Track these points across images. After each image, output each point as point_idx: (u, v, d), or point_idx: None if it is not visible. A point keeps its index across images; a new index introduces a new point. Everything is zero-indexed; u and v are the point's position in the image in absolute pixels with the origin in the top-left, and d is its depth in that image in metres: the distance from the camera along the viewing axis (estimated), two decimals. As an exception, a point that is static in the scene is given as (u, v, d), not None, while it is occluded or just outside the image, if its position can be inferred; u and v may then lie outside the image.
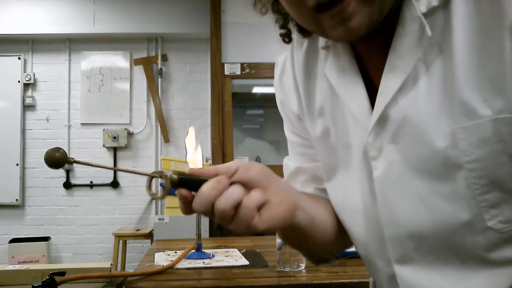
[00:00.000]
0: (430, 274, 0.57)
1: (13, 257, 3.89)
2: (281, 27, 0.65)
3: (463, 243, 0.54)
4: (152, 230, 3.51)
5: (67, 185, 4.38)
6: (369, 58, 0.61)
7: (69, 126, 4.43)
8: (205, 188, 0.49)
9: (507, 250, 0.53)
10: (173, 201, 3.41)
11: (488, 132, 0.50)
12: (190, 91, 4.50)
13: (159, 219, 3.31)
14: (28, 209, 4.37)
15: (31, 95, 4.41)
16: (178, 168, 3.64)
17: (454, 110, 0.52)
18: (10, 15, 4.22)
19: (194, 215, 1.66)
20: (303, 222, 0.59)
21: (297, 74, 0.71)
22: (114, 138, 4.35)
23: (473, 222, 0.53)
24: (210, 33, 4.03)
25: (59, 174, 4.38)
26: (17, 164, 4.32)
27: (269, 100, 4.51)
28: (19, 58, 4.39)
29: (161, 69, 4.45)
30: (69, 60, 4.46)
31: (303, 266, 1.37)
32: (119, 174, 4.43)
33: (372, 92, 0.59)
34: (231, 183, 0.51)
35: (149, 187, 0.54)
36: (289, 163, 0.77)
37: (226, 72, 4.00)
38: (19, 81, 4.38)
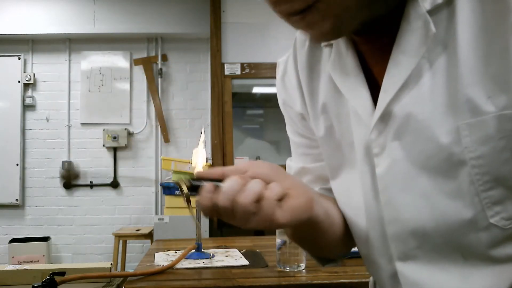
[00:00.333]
0: (432, 271, 0.57)
1: (13, 257, 3.89)
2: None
3: (466, 240, 0.54)
4: (152, 230, 3.51)
5: (67, 185, 4.38)
6: (372, 55, 0.61)
7: (69, 126, 4.43)
8: (227, 184, 0.49)
9: (510, 247, 0.53)
10: (173, 201, 3.41)
11: (492, 128, 0.50)
12: (190, 91, 4.50)
13: (159, 219, 3.31)
14: (28, 209, 4.37)
15: (31, 95, 4.41)
16: (178, 168, 3.65)
17: (458, 107, 0.52)
18: (10, 15, 4.22)
19: (194, 214, 1.66)
20: (320, 215, 0.59)
21: (300, 72, 0.71)
22: (114, 138, 4.35)
23: (476, 219, 0.53)
24: (210, 33, 4.03)
25: (59, 174, 4.38)
26: (17, 164, 4.32)
27: (269, 100, 4.51)
28: (19, 58, 4.40)
29: (161, 69, 4.45)
30: (69, 60, 4.46)
31: (303, 266, 1.37)
32: (119, 174, 4.43)
33: (374, 90, 0.59)
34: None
35: (188, 203, 0.54)
36: (293, 164, 0.77)
37: (226, 72, 4.00)
38: (19, 81, 4.38)
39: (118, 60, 4.48)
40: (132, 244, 4.23)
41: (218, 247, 1.77)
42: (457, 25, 0.52)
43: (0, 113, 4.35)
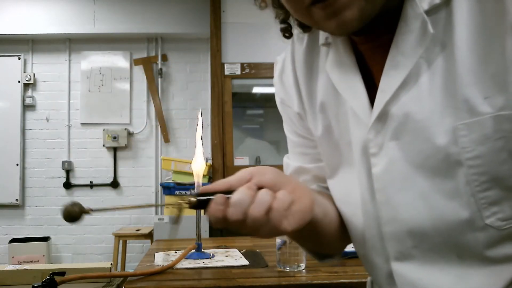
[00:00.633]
0: (428, 271, 0.57)
1: (13, 257, 3.89)
2: (282, 22, 0.65)
3: (462, 240, 0.54)
4: (152, 230, 3.51)
5: (67, 185, 4.38)
6: (370, 55, 0.61)
7: (69, 126, 4.43)
8: (237, 196, 0.49)
9: (506, 248, 0.53)
10: (173, 201, 3.41)
11: (489, 129, 0.50)
12: (190, 91, 4.50)
13: (159, 219, 3.31)
14: (28, 209, 4.37)
15: (31, 95, 4.41)
16: (178, 168, 3.65)
17: (455, 107, 0.52)
18: (10, 15, 4.22)
19: (194, 215, 1.66)
20: (318, 215, 0.59)
21: (298, 71, 0.71)
22: (114, 138, 4.35)
23: (473, 220, 0.53)
24: (210, 33, 4.03)
25: (59, 174, 4.38)
26: (17, 164, 4.32)
27: (269, 100, 4.51)
28: (19, 58, 4.40)
29: (161, 69, 4.45)
30: (69, 60, 4.46)
31: (303, 266, 1.37)
32: (119, 174, 4.43)
33: (373, 90, 0.59)
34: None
35: (177, 217, 0.54)
36: (290, 162, 0.77)
37: (226, 72, 4.00)
38: (19, 81, 4.38)
39: (118, 60, 4.48)
40: (132, 244, 4.23)
41: (218, 247, 1.77)
42: (455, 25, 0.52)
43: (0, 113, 4.35)
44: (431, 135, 0.53)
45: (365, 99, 0.59)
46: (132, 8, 4.29)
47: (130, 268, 4.02)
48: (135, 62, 4.49)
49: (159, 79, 4.46)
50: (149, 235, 3.81)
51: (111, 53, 4.47)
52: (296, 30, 0.67)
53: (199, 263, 1.47)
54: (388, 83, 0.56)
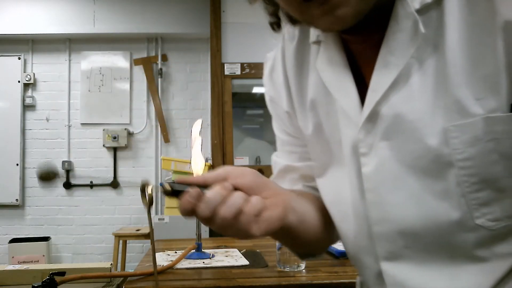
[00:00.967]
0: (418, 271, 0.57)
1: (13, 257, 3.89)
2: (271, 14, 0.65)
3: (452, 240, 0.54)
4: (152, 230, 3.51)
5: (67, 185, 4.38)
6: (361, 54, 0.61)
7: (69, 126, 4.43)
8: (210, 194, 0.50)
9: (496, 247, 0.53)
10: (173, 201, 3.41)
11: (480, 130, 0.50)
12: (190, 91, 4.50)
13: (159, 219, 3.31)
14: (28, 209, 4.37)
15: (31, 95, 4.41)
16: (178, 168, 3.65)
17: (446, 108, 0.52)
18: (10, 15, 4.22)
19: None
20: (293, 222, 0.59)
21: (288, 69, 0.70)
22: (114, 138, 4.35)
23: (463, 220, 0.53)
24: (210, 33, 4.03)
25: (59, 174, 4.37)
26: (17, 164, 4.32)
27: (269, 100, 4.50)
28: (19, 58, 4.39)
29: (161, 69, 4.45)
30: (69, 60, 4.46)
31: (303, 266, 1.37)
32: (119, 174, 4.43)
33: (363, 89, 0.59)
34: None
35: (143, 195, 0.54)
36: (278, 160, 0.76)
37: (226, 72, 4.00)
38: (19, 81, 4.38)
39: (118, 60, 4.48)
40: (132, 244, 4.23)
41: (218, 247, 1.77)
42: (446, 25, 0.52)
43: (0, 113, 4.35)
44: (422, 135, 0.53)
45: (356, 99, 0.59)
46: (132, 8, 4.29)
47: (130, 268, 4.02)
48: (135, 62, 4.49)
49: (159, 79, 4.46)
50: (149, 235, 3.80)
51: (111, 53, 4.47)
52: (285, 24, 0.66)
53: (199, 263, 1.47)
54: (378, 83, 0.56)
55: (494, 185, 0.51)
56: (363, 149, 0.58)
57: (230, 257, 1.57)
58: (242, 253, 1.63)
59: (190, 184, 0.51)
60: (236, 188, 0.52)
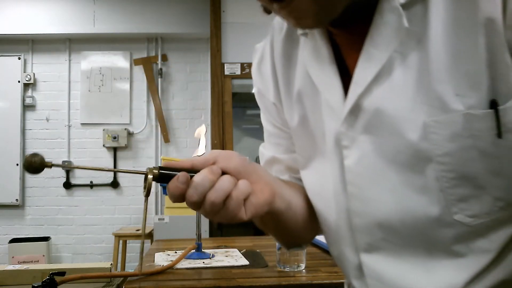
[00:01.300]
0: (396, 263, 0.57)
1: (13, 257, 3.89)
2: None
3: (430, 235, 0.54)
4: (152, 230, 3.51)
5: (67, 185, 4.38)
6: (346, 47, 0.61)
7: (69, 126, 4.43)
8: (199, 178, 0.50)
9: (473, 243, 0.53)
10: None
11: (459, 126, 0.50)
12: (190, 91, 4.50)
13: (159, 219, 3.31)
14: (28, 209, 4.37)
15: (31, 95, 4.41)
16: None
17: (427, 103, 0.52)
18: (10, 15, 4.22)
19: (194, 215, 1.66)
20: (280, 208, 0.60)
21: (276, 60, 0.70)
22: (114, 138, 4.35)
23: (441, 215, 0.53)
24: (210, 33, 4.03)
25: (59, 174, 4.38)
26: (17, 164, 4.32)
27: (269, 100, 4.50)
28: (19, 58, 4.40)
29: (161, 69, 4.45)
30: (69, 60, 4.46)
31: (303, 266, 1.37)
32: (119, 174, 4.43)
33: (348, 81, 0.59)
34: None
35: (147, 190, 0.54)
36: (265, 151, 0.77)
37: (226, 72, 4.00)
38: (19, 81, 4.38)
39: (118, 60, 4.48)
40: (132, 244, 4.23)
41: (218, 247, 1.77)
42: (430, 20, 0.52)
43: (0, 113, 4.35)
44: (402, 130, 0.53)
45: (339, 91, 0.59)
46: (132, 8, 4.29)
47: (130, 268, 4.02)
48: (135, 62, 4.49)
49: (159, 79, 4.46)
50: (149, 235, 3.81)
51: (111, 53, 4.47)
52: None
53: (199, 263, 1.47)
54: (361, 76, 0.56)
55: (473, 181, 0.51)
56: (345, 142, 0.59)
57: (230, 257, 1.57)
58: (242, 253, 1.63)
59: (178, 169, 0.51)
60: (224, 172, 0.51)
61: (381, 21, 0.54)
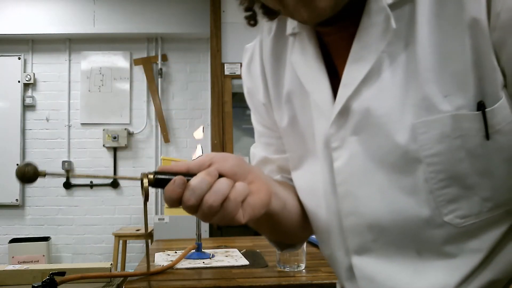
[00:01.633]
0: (386, 265, 0.57)
1: (13, 257, 3.89)
2: (246, 9, 0.64)
3: (420, 236, 0.54)
4: (152, 230, 3.51)
5: (67, 185, 4.38)
6: (335, 48, 0.61)
7: (69, 126, 4.43)
8: (196, 181, 0.49)
9: (464, 244, 0.53)
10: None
11: (447, 127, 0.50)
12: (190, 91, 4.50)
13: (159, 219, 3.31)
14: (28, 209, 4.37)
15: (31, 95, 4.41)
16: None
17: (415, 104, 0.52)
18: (10, 15, 4.22)
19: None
20: (276, 208, 0.59)
21: (265, 60, 0.70)
22: (114, 138, 4.35)
23: (431, 216, 0.53)
24: (210, 33, 4.03)
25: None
26: (17, 164, 4.30)
27: (269, 100, 4.49)
28: (19, 58, 4.39)
29: (161, 69, 4.45)
30: (69, 60, 4.46)
31: (303, 266, 1.37)
32: (119, 174, 4.42)
33: (337, 82, 0.58)
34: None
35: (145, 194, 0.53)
36: (256, 152, 0.76)
37: (226, 72, 4.00)
38: (19, 81, 4.38)
39: (118, 60, 4.48)
40: (132, 244, 4.23)
41: (218, 247, 1.77)
42: (417, 21, 0.52)
43: (0, 113, 4.35)
44: (391, 131, 0.53)
45: (328, 93, 0.59)
46: (132, 8, 4.29)
47: (130, 268, 4.02)
48: (135, 62, 4.49)
49: (159, 79, 4.46)
50: (149, 235, 3.81)
51: (111, 53, 4.47)
52: (261, 18, 0.66)
53: (199, 263, 1.47)
54: (350, 77, 0.56)
55: (462, 182, 0.51)
56: (335, 144, 0.59)
57: (230, 257, 1.57)
58: (242, 253, 1.63)
59: (173, 173, 0.50)
60: (220, 174, 0.51)
61: (369, 22, 0.54)
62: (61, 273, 1.18)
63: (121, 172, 4.43)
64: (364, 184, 0.57)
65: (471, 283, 0.54)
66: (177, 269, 1.41)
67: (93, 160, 4.41)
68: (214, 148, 3.97)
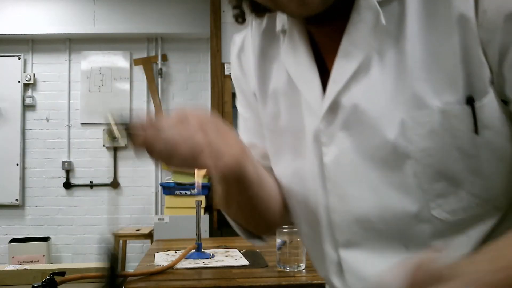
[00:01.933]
0: (375, 260, 0.57)
1: (13, 257, 3.89)
2: (234, 7, 0.65)
3: (409, 231, 0.55)
4: (152, 230, 3.51)
5: (67, 185, 4.38)
6: (324, 44, 0.61)
7: (69, 126, 4.43)
8: (164, 118, 0.49)
9: (451, 239, 0.54)
10: (173, 201, 3.41)
11: (436, 123, 0.50)
12: (190, 91, 4.50)
13: (159, 219, 3.31)
14: (28, 209, 4.37)
15: (31, 95, 4.41)
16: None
17: (405, 100, 0.52)
18: (10, 15, 4.22)
19: (194, 215, 1.65)
20: (251, 176, 0.58)
21: (254, 53, 0.70)
22: (114, 138, 4.35)
23: (419, 211, 0.53)
24: (210, 33, 4.03)
25: (59, 174, 4.38)
26: (17, 164, 4.32)
27: (269, 100, 4.50)
28: (19, 58, 4.39)
29: (161, 69, 4.45)
30: (69, 60, 4.46)
31: (303, 266, 1.37)
32: (119, 174, 4.43)
33: (327, 79, 0.59)
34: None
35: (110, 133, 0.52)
36: (242, 137, 0.76)
37: (226, 72, 4.00)
38: (19, 81, 4.38)
39: (118, 60, 4.48)
40: (132, 244, 4.23)
41: (218, 247, 1.77)
42: (407, 18, 0.52)
43: (0, 113, 4.35)
44: (380, 127, 0.54)
45: (318, 89, 0.59)
46: (132, 8, 4.29)
47: (130, 268, 4.02)
48: (135, 62, 4.49)
49: (159, 79, 4.46)
50: (149, 235, 3.81)
51: (111, 53, 4.47)
52: (250, 16, 0.66)
53: (199, 263, 1.47)
54: (339, 74, 0.56)
55: (450, 177, 0.52)
56: (324, 139, 0.59)
57: (230, 257, 1.57)
58: (242, 253, 1.63)
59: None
60: (195, 121, 0.50)
61: (358, 18, 0.54)
62: (61, 273, 1.18)
63: (121, 172, 4.42)
64: (353, 179, 0.57)
65: None
66: (177, 269, 1.41)
67: (93, 160, 4.41)
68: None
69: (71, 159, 4.40)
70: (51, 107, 4.44)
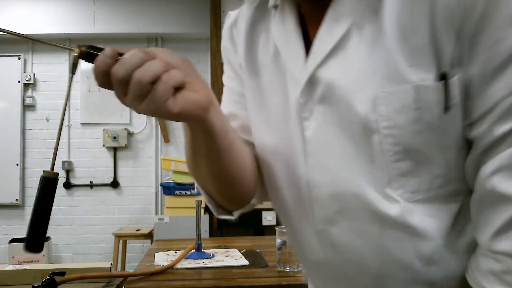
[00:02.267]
0: (351, 237, 0.58)
1: (13, 257, 3.89)
2: None
3: (379, 209, 0.55)
4: (152, 230, 3.51)
5: (67, 185, 4.38)
6: (311, 19, 0.62)
7: (69, 126, 4.43)
8: (128, 54, 0.46)
9: (419, 217, 0.54)
10: (173, 201, 3.41)
11: (409, 98, 0.51)
12: (190, 91, 4.50)
13: (159, 219, 3.31)
14: (28, 209, 4.36)
15: (31, 95, 4.42)
16: (178, 168, 3.65)
17: (379, 75, 0.53)
18: (10, 15, 4.22)
19: (194, 215, 1.65)
20: (217, 127, 0.56)
21: (244, 27, 0.71)
22: (114, 138, 4.35)
23: (385, 190, 0.54)
24: (210, 33, 4.03)
25: (59, 174, 4.37)
26: (17, 164, 4.32)
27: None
28: (19, 58, 4.40)
29: (161, 69, 4.45)
30: (69, 60, 4.46)
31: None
32: (119, 174, 4.43)
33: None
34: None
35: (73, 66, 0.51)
36: (223, 107, 0.75)
37: (226, 72, 4.00)
38: (19, 81, 4.38)
39: (118, 60, 4.47)
40: (132, 244, 4.23)
41: (218, 247, 1.77)
42: None
43: (0, 113, 4.35)
44: (353, 101, 0.54)
45: (302, 59, 0.60)
46: (132, 8, 4.29)
47: (130, 268, 4.02)
48: (135, 62, 4.49)
49: (159, 79, 4.46)
50: (149, 235, 3.81)
51: (111, 53, 4.47)
52: None
53: (199, 263, 1.48)
54: (319, 48, 0.57)
55: (416, 156, 0.52)
56: (305, 114, 0.59)
57: (230, 257, 1.58)
58: (242, 253, 1.63)
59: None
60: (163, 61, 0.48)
61: None
62: (61, 273, 1.18)
63: (121, 172, 4.43)
64: (329, 154, 0.58)
65: (432, 258, 0.55)
66: (177, 269, 1.41)
67: (93, 160, 4.41)
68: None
69: (71, 159, 4.40)
70: (51, 107, 4.44)
